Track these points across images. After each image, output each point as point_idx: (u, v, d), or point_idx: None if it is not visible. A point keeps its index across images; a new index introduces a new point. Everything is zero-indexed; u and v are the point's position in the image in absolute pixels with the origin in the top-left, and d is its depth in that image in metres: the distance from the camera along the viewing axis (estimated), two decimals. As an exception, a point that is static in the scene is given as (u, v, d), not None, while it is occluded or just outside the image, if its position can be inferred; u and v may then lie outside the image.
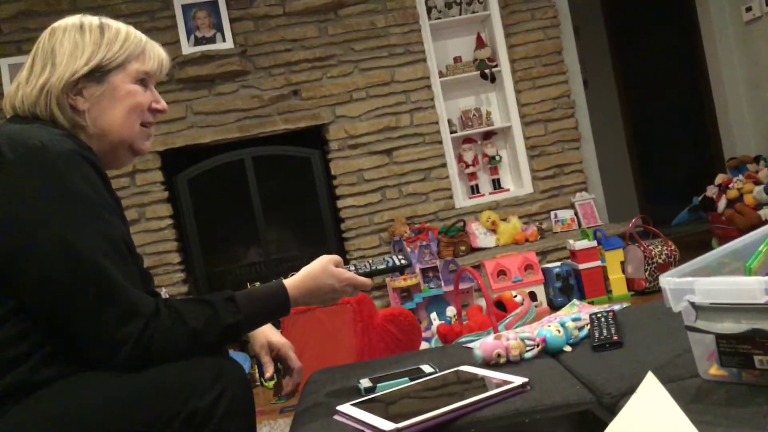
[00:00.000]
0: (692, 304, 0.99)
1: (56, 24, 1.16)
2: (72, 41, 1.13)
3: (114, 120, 1.14)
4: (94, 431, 0.98)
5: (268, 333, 1.34)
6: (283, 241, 3.95)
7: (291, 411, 2.57)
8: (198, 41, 3.65)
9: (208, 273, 3.75)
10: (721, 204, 3.71)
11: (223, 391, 1.02)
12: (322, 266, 1.21)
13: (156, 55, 1.19)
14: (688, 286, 0.99)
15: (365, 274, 1.26)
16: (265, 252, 3.84)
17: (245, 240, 3.90)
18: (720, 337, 0.98)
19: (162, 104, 1.21)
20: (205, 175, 3.80)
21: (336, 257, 1.25)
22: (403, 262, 1.32)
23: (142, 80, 1.17)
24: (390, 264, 1.31)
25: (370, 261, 1.32)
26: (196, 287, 3.75)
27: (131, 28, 1.19)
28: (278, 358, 1.35)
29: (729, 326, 0.95)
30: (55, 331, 1.02)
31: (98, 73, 1.12)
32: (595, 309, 1.51)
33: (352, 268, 1.27)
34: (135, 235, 3.30)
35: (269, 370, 1.32)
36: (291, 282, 1.19)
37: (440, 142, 3.98)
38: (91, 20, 1.16)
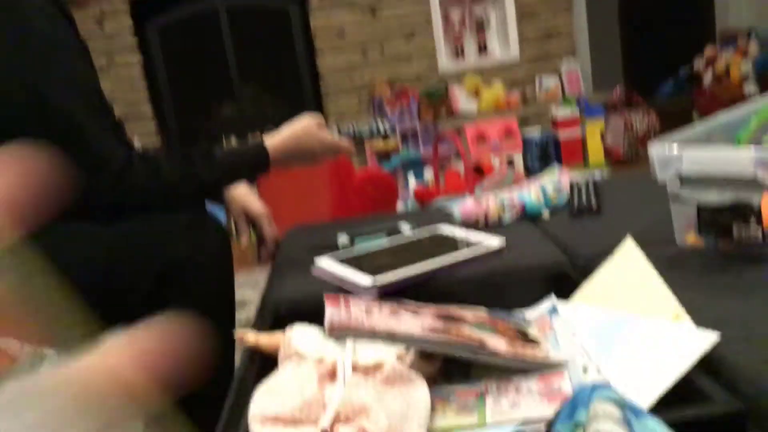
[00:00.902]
0: (679, 173, 0.98)
1: None
2: None
3: None
4: (72, 285, 0.98)
5: (246, 200, 1.32)
6: (259, 97, 3.84)
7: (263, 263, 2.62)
8: None
9: (181, 126, 3.66)
10: (707, 78, 3.66)
11: (200, 241, 1.02)
12: (304, 128, 1.18)
13: None
14: (677, 155, 0.98)
15: (349, 136, 1.24)
16: (239, 108, 3.74)
17: (219, 95, 3.79)
18: (702, 207, 0.98)
19: None
20: (178, 25, 3.60)
21: (319, 118, 1.21)
22: (386, 127, 1.29)
23: None
24: (374, 128, 1.28)
25: (354, 125, 1.28)
26: (168, 139, 3.68)
27: None
28: (254, 226, 1.34)
29: (713, 196, 0.95)
30: None
31: None
32: (576, 176, 1.50)
33: (336, 130, 1.24)
34: (103, 83, 3.18)
35: (243, 238, 1.31)
36: (272, 143, 1.16)
37: (426, 1, 3.79)
38: None
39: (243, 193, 1.32)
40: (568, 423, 0.43)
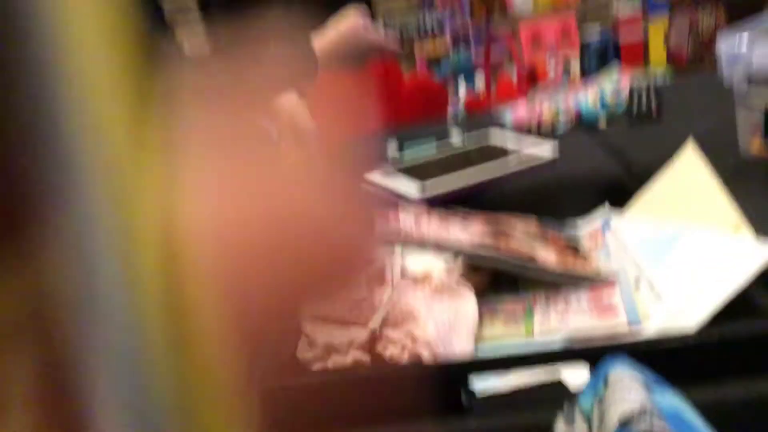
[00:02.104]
0: (748, 72, 0.92)
1: None
2: None
3: None
4: None
5: (294, 114, 1.30)
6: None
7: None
8: None
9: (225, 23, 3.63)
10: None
11: None
12: (352, 29, 1.13)
13: None
14: (746, 50, 0.91)
15: (396, 36, 1.20)
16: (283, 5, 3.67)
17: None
18: (770, 112, 0.92)
19: None
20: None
21: (365, 16, 1.17)
22: (435, 24, 1.24)
23: None
24: (422, 24, 1.23)
25: (402, 20, 1.24)
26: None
27: None
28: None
29: (784, 100, 0.90)
30: None
31: None
32: (636, 78, 1.43)
33: (381, 27, 1.20)
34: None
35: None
36: (320, 46, 1.12)
37: None
38: None
39: (291, 105, 1.30)
40: (590, 396, 0.42)
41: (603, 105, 1.27)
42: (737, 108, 0.96)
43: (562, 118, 1.25)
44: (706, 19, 3.10)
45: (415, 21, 1.20)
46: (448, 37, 3.26)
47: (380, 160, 1.26)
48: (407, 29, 1.22)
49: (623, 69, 3.17)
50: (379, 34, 1.18)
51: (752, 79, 0.93)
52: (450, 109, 2.72)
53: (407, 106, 2.37)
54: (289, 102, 1.29)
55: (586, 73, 3.28)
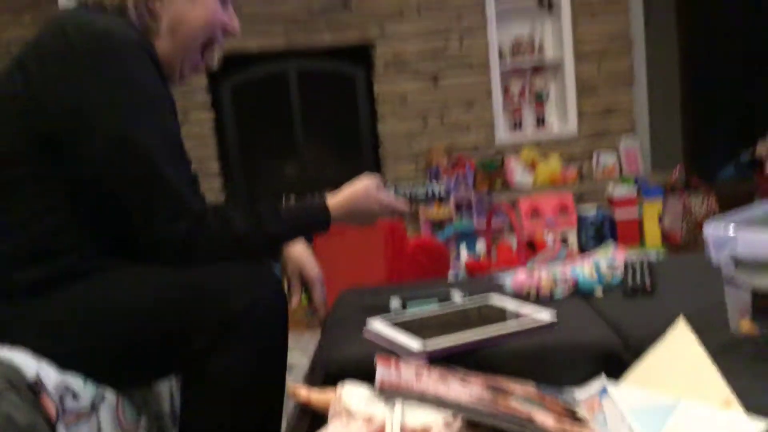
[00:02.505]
0: (733, 256, 0.98)
1: None
2: None
3: (189, 30, 1.13)
4: (130, 328, 1.03)
5: (303, 260, 1.34)
6: (321, 159, 3.97)
7: (317, 326, 2.65)
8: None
9: (247, 183, 3.80)
10: (771, 163, 3.60)
11: (258, 296, 1.05)
12: (365, 189, 1.22)
13: None
14: (732, 236, 0.98)
15: (406, 197, 1.27)
16: (302, 168, 3.87)
17: (284, 154, 3.93)
18: (757, 293, 0.97)
19: (235, 25, 1.19)
20: (249, 85, 3.79)
21: (378, 180, 1.26)
22: (442, 191, 1.33)
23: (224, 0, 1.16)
24: (430, 192, 1.31)
25: (411, 186, 1.32)
26: (233, 197, 3.81)
27: None
28: (307, 288, 1.36)
29: (769, 284, 0.95)
30: (105, 223, 1.05)
31: None
32: (631, 255, 1.50)
33: (392, 190, 1.28)
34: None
35: (295, 299, 1.33)
36: (333, 201, 1.20)
37: (487, 72, 3.89)
38: None
39: (300, 253, 1.34)
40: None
41: (599, 276, 1.33)
42: (726, 288, 1.01)
43: (560, 285, 1.30)
44: (698, 204, 3.27)
45: (422, 188, 1.29)
46: (452, 204, 3.42)
47: (383, 312, 1.30)
48: (414, 195, 1.30)
49: (619, 245, 3.28)
50: (390, 196, 1.27)
51: (738, 262, 0.99)
52: (451, 271, 2.79)
53: (410, 264, 2.44)
54: (298, 250, 1.35)
55: (582, 247, 3.40)
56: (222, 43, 1.21)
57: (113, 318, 1.03)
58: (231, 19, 1.19)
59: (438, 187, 1.34)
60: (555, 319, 1.14)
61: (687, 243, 3.26)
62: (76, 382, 0.99)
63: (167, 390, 1.24)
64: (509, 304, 1.24)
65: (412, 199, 1.31)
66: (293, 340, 1.20)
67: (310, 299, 1.38)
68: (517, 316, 1.17)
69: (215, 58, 1.22)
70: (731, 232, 0.98)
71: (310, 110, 3.81)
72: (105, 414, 1.02)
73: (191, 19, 1.13)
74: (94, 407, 1.00)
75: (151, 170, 1.01)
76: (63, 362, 1.00)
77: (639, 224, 3.36)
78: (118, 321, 1.03)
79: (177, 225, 1.02)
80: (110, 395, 1.04)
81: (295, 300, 1.34)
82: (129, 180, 1.01)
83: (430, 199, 1.34)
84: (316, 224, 1.20)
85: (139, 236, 1.03)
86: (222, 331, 1.02)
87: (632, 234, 3.33)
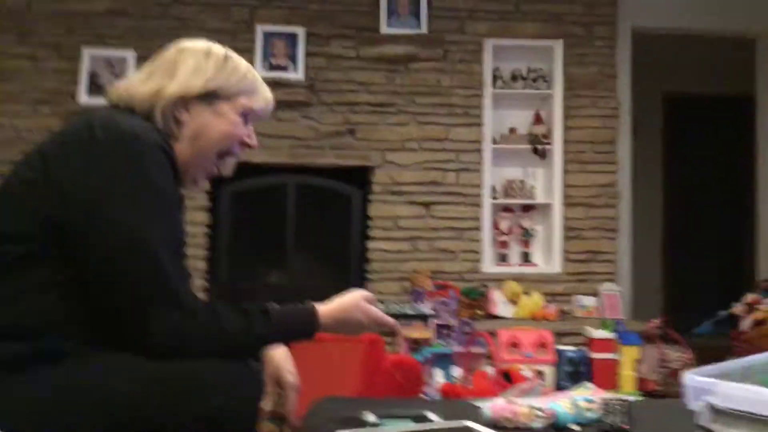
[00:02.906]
0: (711, 405, 1.01)
1: (186, 43, 1.24)
2: (196, 62, 1.20)
3: (209, 140, 1.20)
4: (106, 414, 1.02)
5: (282, 365, 1.33)
6: (308, 270, 4.00)
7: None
8: (272, 67, 3.80)
9: (231, 285, 3.80)
10: (746, 323, 3.66)
11: (237, 396, 1.05)
12: (354, 300, 1.25)
13: (264, 97, 1.27)
14: (710, 387, 1.01)
15: (392, 315, 1.30)
16: (288, 277, 3.89)
17: (272, 261, 3.96)
18: (731, 444, 0.99)
19: (254, 141, 1.27)
20: (248, 192, 3.89)
21: (368, 294, 1.29)
22: (430, 311, 1.36)
23: (245, 115, 1.24)
24: (418, 311, 1.35)
25: (399, 305, 1.35)
26: (217, 298, 3.80)
27: (251, 67, 1.27)
28: (280, 395, 1.34)
29: (742, 434, 0.97)
30: (95, 309, 1.06)
31: (210, 98, 1.19)
32: (609, 395, 1.51)
33: (382, 306, 1.30)
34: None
35: (268, 404, 1.31)
36: (323, 309, 1.22)
37: (479, 206, 4.03)
38: (219, 49, 1.24)
39: (280, 357, 1.33)
40: None
41: (577, 412, 1.33)
42: (700, 435, 1.03)
43: (538, 417, 1.31)
44: (674, 355, 3.29)
45: (410, 308, 1.32)
46: (433, 327, 3.42)
47: (357, 425, 1.29)
48: (402, 313, 1.34)
49: (596, 385, 3.26)
50: (379, 312, 1.29)
51: (715, 412, 1.02)
52: (425, 392, 2.75)
53: (386, 380, 2.41)
54: (279, 353, 1.35)
55: (559, 384, 3.37)
56: (238, 155, 1.28)
57: (90, 404, 1.02)
58: (250, 135, 1.26)
59: (426, 309, 1.37)
60: (531, 449, 1.13)
61: (662, 391, 3.25)
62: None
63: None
64: (485, 431, 1.24)
65: (400, 317, 1.33)
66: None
67: (281, 407, 1.36)
68: (493, 442, 1.17)
69: (229, 168, 1.29)
70: (710, 383, 1.02)
71: (305, 223, 3.90)
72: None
73: (212, 130, 1.20)
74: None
75: (152, 263, 1.04)
76: None
77: (616, 367, 3.36)
78: (94, 408, 1.02)
79: (170, 317, 1.04)
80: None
81: (268, 404, 1.33)
82: (130, 270, 1.04)
83: (418, 317, 1.36)
84: (304, 329, 1.21)
85: (130, 326, 1.05)
86: (195, 426, 1.02)
87: (609, 376, 3.32)
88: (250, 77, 1.24)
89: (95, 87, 3.66)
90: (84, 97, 3.71)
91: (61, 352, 1.04)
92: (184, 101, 1.17)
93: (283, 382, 1.32)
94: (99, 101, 1.01)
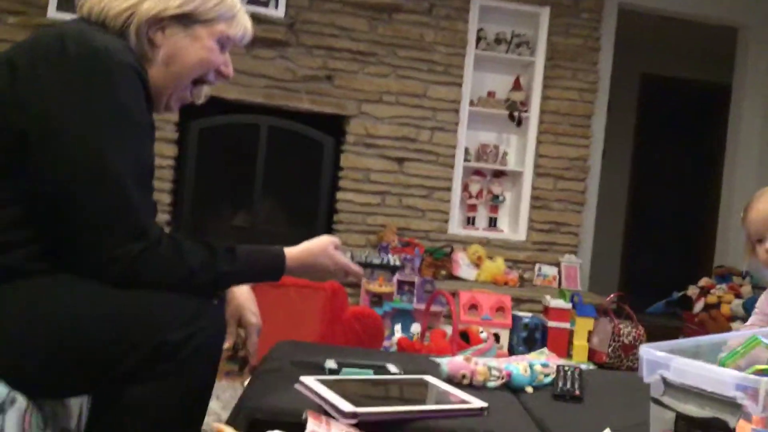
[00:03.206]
0: (664, 379, 1.03)
1: None
2: None
3: (184, 65, 1.15)
4: (59, 336, 1.00)
5: (244, 305, 1.32)
6: (275, 215, 3.96)
7: (236, 376, 2.58)
8: (251, 1, 3.67)
9: (195, 223, 3.75)
10: (698, 306, 3.78)
11: (197, 332, 1.03)
12: (322, 246, 1.24)
13: (243, 24, 1.22)
14: (665, 361, 1.03)
15: (360, 264, 1.29)
16: (253, 220, 3.85)
17: (238, 203, 3.91)
18: (680, 417, 1.01)
19: (229, 70, 1.23)
20: (218, 129, 3.81)
21: (336, 240, 1.28)
22: (397, 263, 1.35)
23: (222, 42, 1.19)
24: (385, 262, 1.34)
25: (366, 254, 1.34)
26: (179, 233, 3.75)
27: None
28: (240, 335, 1.33)
29: (692, 409, 0.99)
30: (56, 229, 1.02)
31: (186, 20, 1.14)
32: (564, 362, 1.54)
33: (349, 254, 1.29)
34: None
35: (229, 341, 1.30)
36: (290, 253, 1.20)
37: (451, 167, 4.02)
38: None
39: (243, 298, 1.32)
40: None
41: (532, 374, 1.36)
42: (651, 407, 1.06)
43: (494, 376, 1.32)
44: (627, 330, 3.38)
45: (377, 258, 1.32)
46: (395, 282, 3.44)
47: (317, 370, 1.29)
48: (369, 262, 1.33)
49: (550, 352, 3.34)
50: (346, 258, 1.27)
51: (667, 386, 1.04)
52: (383, 345, 2.78)
53: (345, 330, 2.43)
54: (242, 293, 1.33)
55: (512, 349, 3.45)
56: (214, 83, 1.23)
57: (43, 323, 1.00)
58: (226, 64, 1.21)
59: (392, 259, 1.36)
60: (485, 407, 1.15)
61: (611, 363, 3.35)
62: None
63: (77, 407, 1.19)
64: (443, 386, 1.25)
65: (367, 266, 1.32)
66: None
67: (242, 346, 1.35)
68: (449, 397, 1.18)
69: (203, 95, 1.25)
70: (665, 357, 1.04)
71: (275, 167, 3.84)
72: (11, 418, 0.97)
73: (187, 55, 1.15)
74: (1, 409, 0.96)
75: (116, 189, 1.00)
76: None
77: (569, 336, 3.44)
78: (47, 327, 1.00)
79: (131, 245, 1.01)
80: (21, 400, 0.99)
81: (229, 343, 1.31)
82: (92, 193, 1.00)
83: (384, 267, 1.35)
84: (269, 272, 1.19)
85: (90, 250, 1.01)
86: (151, 360, 1.00)
87: (562, 345, 3.41)
88: (230, 2, 1.19)
89: (64, 1, 3.50)
90: (53, 12, 3.55)
91: (21, 270, 1.01)
92: (160, 21, 1.12)
93: (244, 321, 1.31)
94: (70, 17, 0.96)
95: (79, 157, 0.99)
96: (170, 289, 1.05)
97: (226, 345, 1.29)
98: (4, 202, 1.01)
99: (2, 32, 3.56)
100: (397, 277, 3.45)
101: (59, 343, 0.99)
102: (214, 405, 2.34)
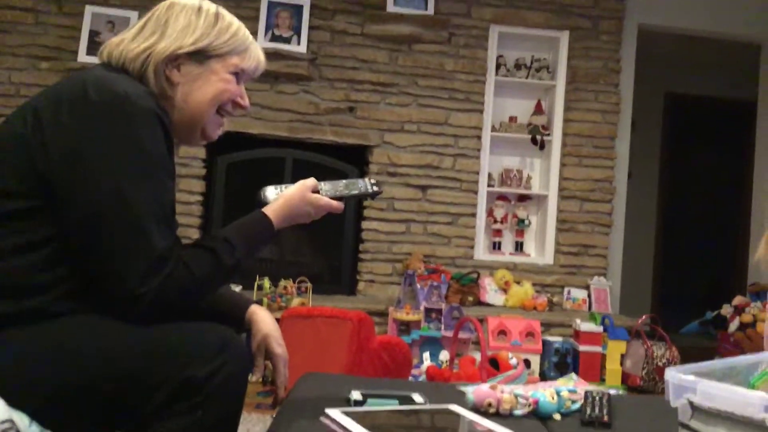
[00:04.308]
0: (691, 402, 1.02)
1: (176, 0, 1.22)
2: (187, 19, 1.19)
3: (202, 100, 1.19)
4: (88, 374, 1.02)
5: (271, 337, 1.33)
6: (300, 246, 4.00)
7: (267, 409, 2.59)
8: (274, 38, 3.76)
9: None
10: (733, 325, 3.70)
11: (222, 365, 1.05)
12: (300, 193, 1.24)
13: (256, 56, 1.26)
14: (691, 384, 1.02)
15: (337, 198, 1.28)
16: (279, 251, 3.89)
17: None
18: (709, 441, 1.00)
19: (245, 101, 1.26)
20: (245, 164, 3.88)
21: (312, 182, 1.28)
22: (375, 188, 1.32)
23: (237, 74, 1.23)
24: (362, 189, 1.31)
25: (344, 183, 1.31)
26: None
27: (242, 26, 1.25)
28: (268, 367, 1.35)
29: (721, 432, 0.98)
30: (81, 270, 1.06)
31: (201, 56, 1.18)
32: (592, 388, 1.52)
33: (324, 187, 1.28)
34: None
35: (257, 374, 1.31)
36: (271, 209, 1.22)
37: (475, 192, 4.03)
38: (210, 6, 1.23)
39: (269, 328, 1.33)
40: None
41: (559, 401, 1.35)
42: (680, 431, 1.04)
43: (520, 404, 1.32)
44: (660, 352, 3.32)
45: (354, 187, 1.27)
46: (422, 309, 3.44)
47: (341, 402, 1.29)
48: (347, 195, 1.29)
49: (580, 377, 3.29)
50: (323, 198, 1.26)
51: (695, 409, 1.03)
52: (412, 374, 2.77)
53: (373, 360, 2.43)
54: (267, 324, 1.33)
55: (544, 374, 3.40)
56: (232, 114, 1.27)
57: (73, 361, 1.02)
58: (242, 96, 1.25)
59: (370, 184, 1.32)
60: (512, 435, 1.14)
61: (645, 387, 3.28)
62: (21, 420, 0.98)
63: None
64: (468, 415, 1.25)
65: (344, 198, 1.30)
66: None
67: (272, 380, 1.36)
68: (475, 426, 1.18)
69: (218, 130, 1.27)
70: (691, 381, 1.03)
71: (300, 198, 3.88)
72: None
73: (205, 88, 1.19)
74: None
75: (139, 229, 1.03)
76: (13, 398, 0.98)
77: (602, 361, 3.39)
78: (75, 367, 1.02)
79: (152, 281, 1.03)
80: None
81: (257, 375, 1.33)
82: (112, 233, 1.03)
83: (362, 195, 1.32)
84: (264, 238, 1.22)
85: (112, 287, 1.03)
86: (179, 395, 1.02)
87: (594, 369, 3.35)
88: (242, 36, 1.23)
89: (95, 46, 3.62)
90: (83, 56, 3.67)
91: (48, 312, 1.04)
92: (176, 59, 1.16)
93: (271, 353, 1.32)
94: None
95: (100, 197, 1.03)
96: (191, 305, 1.08)
97: (255, 377, 1.30)
98: (30, 246, 1.05)
99: (36, 78, 3.69)
100: (424, 304, 3.45)
101: (89, 381, 1.02)
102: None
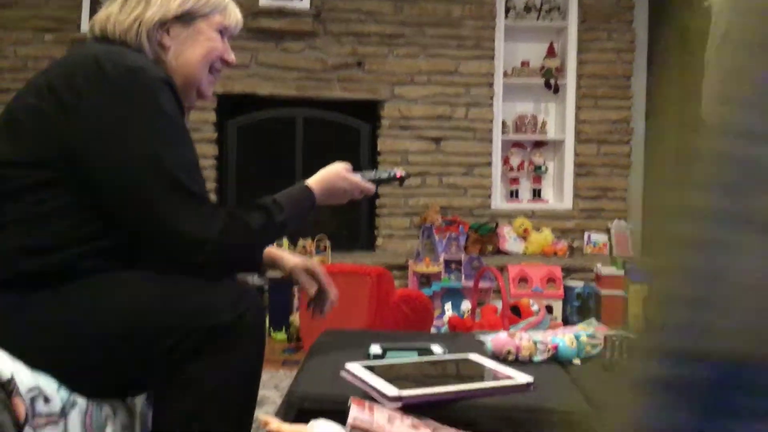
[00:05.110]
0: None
1: None
2: None
3: (192, 59, 1.24)
4: (117, 327, 1.06)
5: (299, 259, 1.42)
6: (318, 206, 4.00)
7: (294, 365, 2.64)
8: (276, -5, 3.69)
9: (240, 220, 3.82)
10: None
11: (244, 313, 1.10)
12: (336, 171, 1.38)
13: (234, 14, 1.32)
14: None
15: (371, 182, 1.42)
16: (297, 211, 3.91)
17: (281, 196, 3.97)
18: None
19: (232, 57, 1.32)
20: (256, 125, 3.86)
21: (347, 164, 1.40)
22: (404, 174, 1.49)
23: (221, 32, 1.28)
24: (392, 175, 1.48)
25: (375, 170, 1.46)
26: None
27: None
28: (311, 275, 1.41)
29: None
30: (112, 231, 1.10)
31: (187, 17, 1.23)
32: (611, 332, 1.52)
33: (359, 175, 1.41)
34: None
35: (312, 289, 1.39)
36: (312, 182, 1.34)
37: (490, 141, 3.98)
38: None
39: (295, 258, 1.43)
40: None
41: (579, 346, 1.34)
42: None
43: (539, 350, 1.32)
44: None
45: (385, 172, 1.48)
46: (441, 261, 3.44)
47: (362, 356, 1.31)
48: (378, 179, 1.46)
49: (603, 322, 3.29)
50: (358, 179, 1.40)
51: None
52: (434, 325, 2.79)
53: (394, 314, 2.45)
54: (297, 258, 1.42)
55: (566, 319, 3.41)
56: (220, 71, 1.31)
57: (100, 319, 1.06)
58: (228, 52, 1.30)
59: (400, 170, 1.49)
60: (531, 382, 1.14)
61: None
62: (49, 385, 0.99)
63: (138, 405, 1.23)
64: (487, 363, 1.25)
65: (377, 183, 1.44)
66: (266, 375, 1.20)
67: (319, 292, 1.39)
68: (494, 374, 1.18)
69: (211, 88, 1.32)
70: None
71: (313, 157, 3.86)
72: (74, 420, 1.01)
73: (195, 48, 1.24)
74: (64, 412, 1.00)
75: (182, 184, 1.08)
76: (40, 362, 1.01)
77: (624, 304, 3.38)
78: (104, 321, 1.06)
79: (211, 226, 1.09)
80: (81, 402, 1.04)
81: (313, 289, 1.39)
82: (162, 192, 1.08)
83: (392, 179, 1.47)
84: (306, 206, 1.32)
85: (177, 241, 1.08)
86: (207, 341, 1.06)
87: (616, 312, 3.36)
88: None
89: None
90: (86, 26, 3.64)
91: (77, 270, 1.07)
92: (164, 24, 1.21)
93: (311, 269, 1.40)
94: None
95: (140, 165, 1.08)
96: (249, 253, 1.20)
97: (311, 291, 1.39)
98: (59, 212, 1.08)
99: (41, 50, 3.67)
100: (443, 256, 3.46)
101: (123, 332, 1.06)
102: (273, 394, 2.40)
